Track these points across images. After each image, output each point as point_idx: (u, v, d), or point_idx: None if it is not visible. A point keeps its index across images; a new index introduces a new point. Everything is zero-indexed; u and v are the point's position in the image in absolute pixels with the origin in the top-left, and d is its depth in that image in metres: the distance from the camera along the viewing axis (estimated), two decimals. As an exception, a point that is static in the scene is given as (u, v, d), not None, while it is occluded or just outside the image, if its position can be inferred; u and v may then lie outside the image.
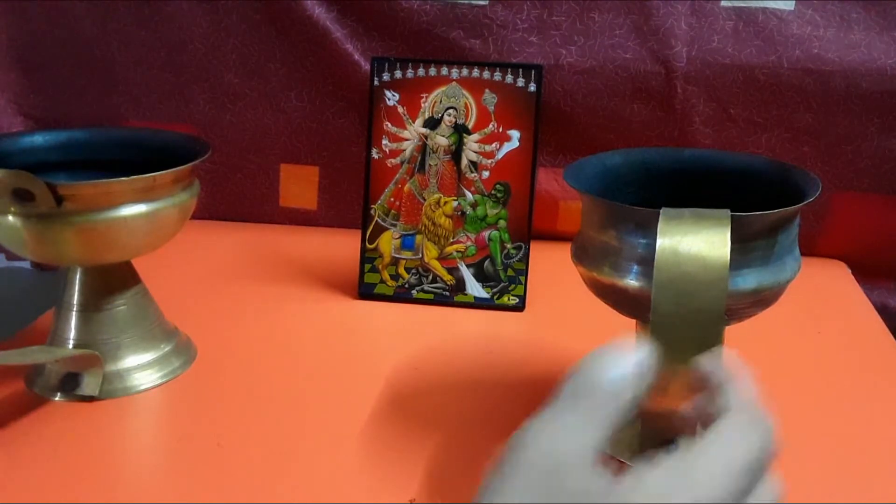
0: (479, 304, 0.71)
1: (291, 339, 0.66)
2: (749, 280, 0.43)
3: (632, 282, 0.44)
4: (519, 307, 0.71)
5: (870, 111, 0.75)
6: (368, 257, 0.72)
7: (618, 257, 0.44)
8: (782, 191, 0.47)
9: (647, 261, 0.42)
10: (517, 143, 0.69)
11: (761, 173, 0.51)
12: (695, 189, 0.51)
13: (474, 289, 0.71)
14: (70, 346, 0.57)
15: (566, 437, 0.27)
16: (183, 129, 0.86)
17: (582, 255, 0.48)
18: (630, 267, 0.44)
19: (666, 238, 0.36)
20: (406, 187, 0.71)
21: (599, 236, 0.46)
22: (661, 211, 0.37)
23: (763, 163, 0.52)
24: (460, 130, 0.70)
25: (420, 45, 0.79)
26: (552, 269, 0.65)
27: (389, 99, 0.70)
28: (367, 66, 0.79)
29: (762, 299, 0.44)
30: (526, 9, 0.77)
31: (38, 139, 0.60)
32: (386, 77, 0.70)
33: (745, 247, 0.42)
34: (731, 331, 0.66)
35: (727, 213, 0.37)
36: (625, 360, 0.29)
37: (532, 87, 0.69)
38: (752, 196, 0.47)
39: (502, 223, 0.70)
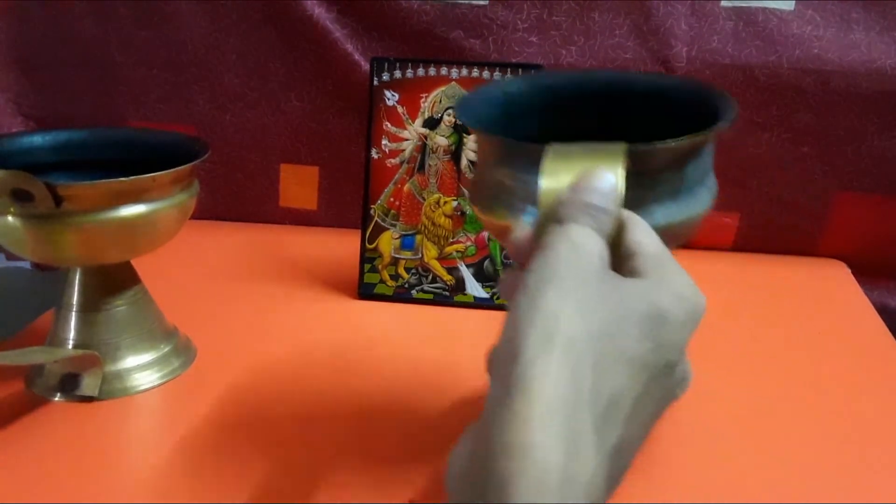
0: (478, 304, 0.71)
1: (291, 340, 0.66)
2: (657, 216, 0.37)
3: (528, 224, 0.37)
4: (519, 307, 0.71)
5: (870, 111, 0.75)
6: (368, 257, 0.72)
7: (512, 197, 0.40)
8: (699, 114, 0.42)
9: None
10: (517, 143, 0.69)
11: (676, 96, 0.46)
12: (605, 118, 0.47)
13: (474, 289, 0.71)
14: (69, 347, 0.57)
15: (582, 248, 0.31)
16: (183, 129, 0.86)
17: (476, 196, 0.43)
18: (525, 208, 0.39)
19: (551, 179, 0.33)
20: (406, 187, 0.71)
21: (493, 175, 0.41)
22: (546, 147, 0.34)
23: (677, 84, 0.47)
24: (460, 130, 0.70)
25: (420, 45, 0.79)
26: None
27: (389, 99, 0.70)
28: (366, 66, 0.79)
29: (674, 236, 0.38)
30: (526, 9, 0.77)
31: (38, 139, 0.60)
32: (385, 77, 0.70)
33: (651, 181, 0.38)
34: (730, 330, 0.66)
35: (622, 146, 0.33)
36: (603, 182, 0.32)
37: (532, 87, 0.68)
38: (669, 122, 0.42)
39: (502, 223, 0.70)
